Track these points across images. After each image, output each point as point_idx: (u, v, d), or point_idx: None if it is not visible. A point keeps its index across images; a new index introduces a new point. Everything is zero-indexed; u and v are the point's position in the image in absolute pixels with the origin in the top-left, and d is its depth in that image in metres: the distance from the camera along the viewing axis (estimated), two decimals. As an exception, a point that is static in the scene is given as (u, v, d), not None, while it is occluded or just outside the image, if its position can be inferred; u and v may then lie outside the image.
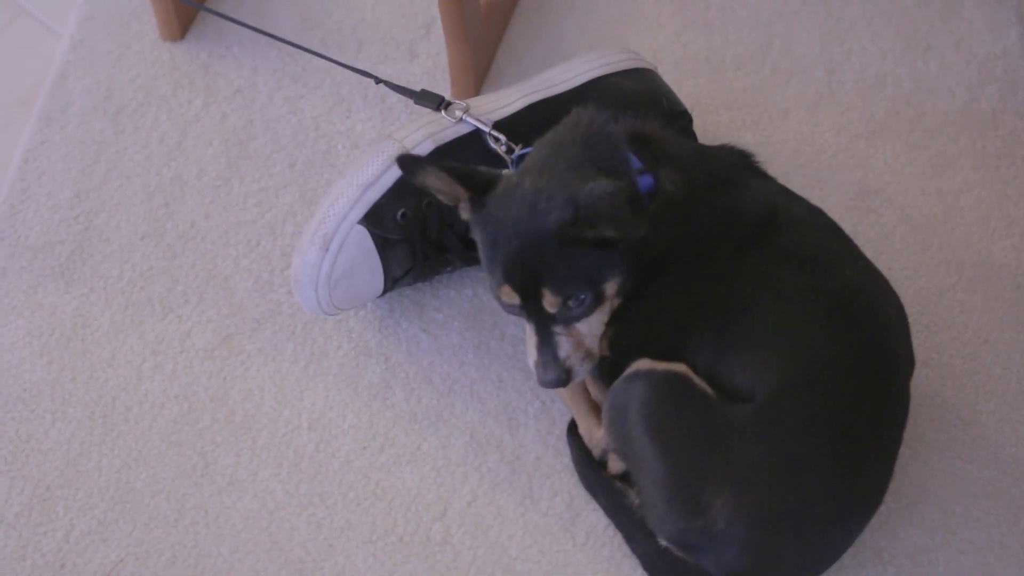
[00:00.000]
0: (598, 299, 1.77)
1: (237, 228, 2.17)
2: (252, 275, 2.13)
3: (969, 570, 1.87)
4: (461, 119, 1.99)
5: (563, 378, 1.79)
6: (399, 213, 1.95)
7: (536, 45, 2.34)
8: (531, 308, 1.76)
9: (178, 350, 2.07)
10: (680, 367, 1.76)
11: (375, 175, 1.95)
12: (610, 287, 1.77)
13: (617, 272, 1.76)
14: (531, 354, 1.81)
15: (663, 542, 1.79)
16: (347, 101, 2.28)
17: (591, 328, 1.80)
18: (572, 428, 1.95)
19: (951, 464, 1.94)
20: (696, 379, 1.75)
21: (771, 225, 1.81)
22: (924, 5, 2.35)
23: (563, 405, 1.98)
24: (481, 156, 1.96)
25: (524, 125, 1.98)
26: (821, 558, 1.79)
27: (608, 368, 1.83)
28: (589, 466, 1.91)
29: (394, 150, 1.95)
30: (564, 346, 1.78)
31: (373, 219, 1.94)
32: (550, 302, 1.74)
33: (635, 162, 1.79)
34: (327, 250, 1.94)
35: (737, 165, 1.86)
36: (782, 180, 1.90)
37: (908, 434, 1.82)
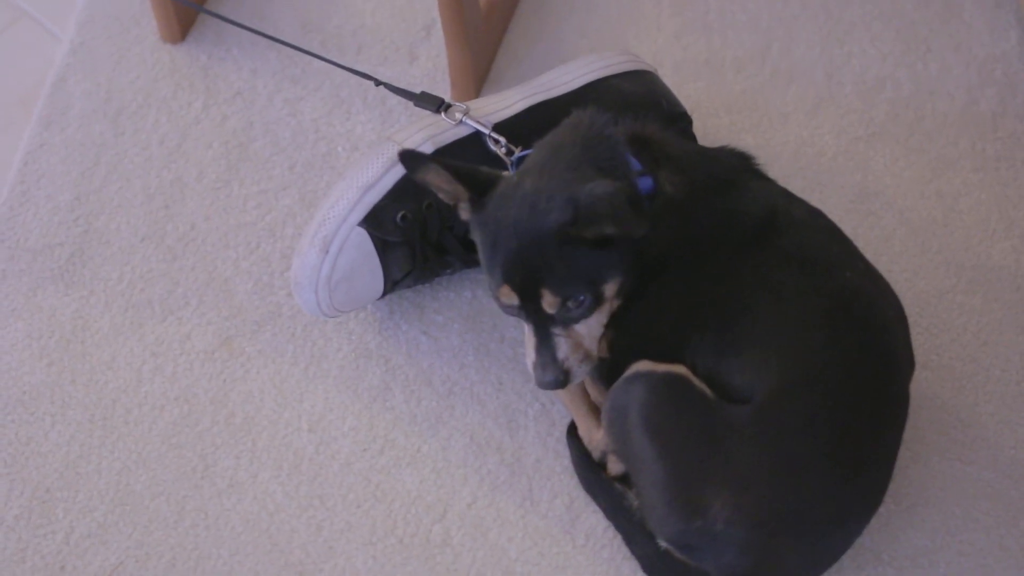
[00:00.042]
0: (597, 300, 1.77)
1: (237, 230, 2.17)
2: (252, 277, 2.13)
3: (969, 572, 1.86)
4: (461, 121, 1.99)
5: (561, 379, 1.79)
6: (399, 215, 1.95)
7: (536, 47, 2.34)
8: (530, 309, 1.76)
9: (178, 352, 2.07)
10: (680, 369, 1.76)
11: (375, 177, 1.95)
12: (609, 288, 1.77)
13: (617, 273, 1.76)
14: (530, 355, 1.80)
15: (663, 543, 1.79)
16: (347, 103, 2.28)
17: (590, 330, 1.79)
18: (572, 430, 1.95)
19: (951, 466, 1.94)
20: (696, 381, 1.75)
21: (771, 227, 1.81)
22: (924, 8, 2.35)
23: (563, 407, 1.98)
24: (481, 158, 1.96)
25: (524, 127, 1.98)
26: (821, 559, 1.79)
27: (608, 370, 1.83)
28: (589, 468, 1.91)
29: (394, 152, 1.95)
30: (563, 347, 1.78)
31: (373, 221, 1.94)
32: (549, 303, 1.74)
33: (635, 164, 1.79)
34: (327, 252, 1.94)
35: (737, 167, 1.86)
36: (782, 182, 1.90)
37: (908, 436, 1.82)
